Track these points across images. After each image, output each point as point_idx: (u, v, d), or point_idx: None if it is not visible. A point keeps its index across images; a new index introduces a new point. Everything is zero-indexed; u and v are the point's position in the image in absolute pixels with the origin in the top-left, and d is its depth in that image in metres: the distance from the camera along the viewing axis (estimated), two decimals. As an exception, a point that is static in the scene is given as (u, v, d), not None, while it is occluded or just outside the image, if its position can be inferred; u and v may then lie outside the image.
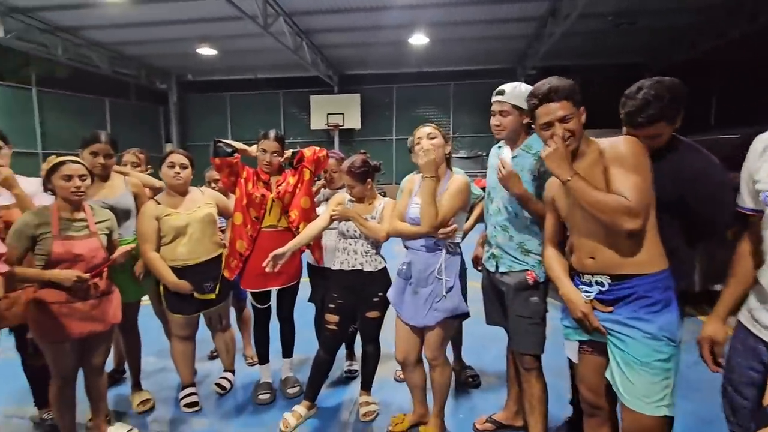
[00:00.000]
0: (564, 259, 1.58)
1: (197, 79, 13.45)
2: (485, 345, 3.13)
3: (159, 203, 2.30)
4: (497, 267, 1.91)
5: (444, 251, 1.94)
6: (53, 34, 9.10)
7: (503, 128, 1.83)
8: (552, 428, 2.01)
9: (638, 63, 11.19)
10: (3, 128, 2.07)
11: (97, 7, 7.78)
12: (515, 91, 1.80)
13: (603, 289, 1.41)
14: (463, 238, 2.06)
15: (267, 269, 2.07)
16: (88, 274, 1.86)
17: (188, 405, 2.41)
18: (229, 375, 2.68)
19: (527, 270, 1.80)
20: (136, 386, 2.51)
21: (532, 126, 1.86)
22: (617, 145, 1.38)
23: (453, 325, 2.00)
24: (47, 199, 1.96)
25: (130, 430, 2.17)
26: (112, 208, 2.19)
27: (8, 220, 1.95)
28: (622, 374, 1.37)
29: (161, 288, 2.31)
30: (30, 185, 2.09)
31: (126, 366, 2.63)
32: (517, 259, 1.84)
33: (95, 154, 2.25)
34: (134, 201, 2.41)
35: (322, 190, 2.73)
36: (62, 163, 1.89)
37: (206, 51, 10.24)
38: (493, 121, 1.86)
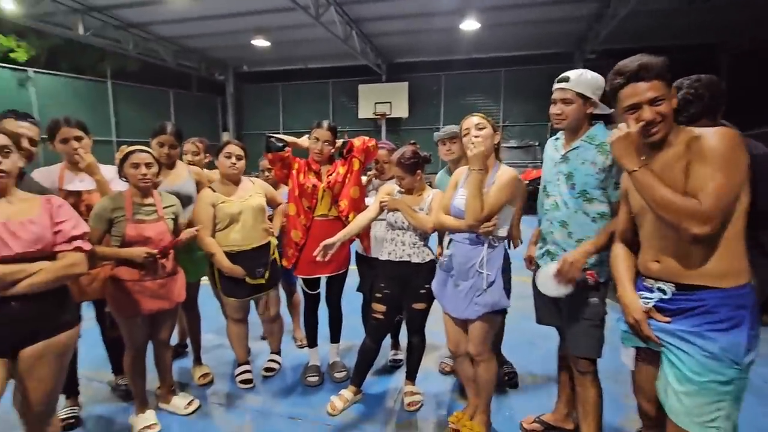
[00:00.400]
0: (632, 259, 1.46)
1: (252, 70, 13.94)
2: (534, 342, 3.04)
3: (214, 191, 2.42)
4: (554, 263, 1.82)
5: (485, 245, 1.88)
6: (125, 30, 9.80)
7: (564, 117, 1.73)
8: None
9: (712, 44, 10.15)
10: (83, 119, 2.25)
11: (164, 3, 8.26)
12: (580, 78, 1.69)
13: (665, 297, 1.30)
14: None
15: (318, 258, 2.13)
16: (156, 250, 2.01)
17: (243, 381, 2.56)
18: (276, 357, 2.80)
19: (587, 269, 1.71)
20: (197, 361, 2.71)
21: (595, 116, 1.76)
22: (708, 137, 1.20)
23: (496, 320, 1.95)
24: (122, 186, 2.14)
25: (192, 400, 2.35)
26: (176, 195, 2.34)
27: (89, 203, 2.15)
28: (672, 389, 1.26)
29: (216, 273, 2.44)
30: (108, 172, 2.27)
31: (188, 341, 2.85)
32: None
33: (162, 145, 2.41)
34: (196, 188, 2.57)
35: (373, 180, 2.75)
36: (131, 152, 2.05)
37: (260, 42, 10.57)
38: (554, 109, 1.75)
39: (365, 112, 12.66)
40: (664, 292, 1.30)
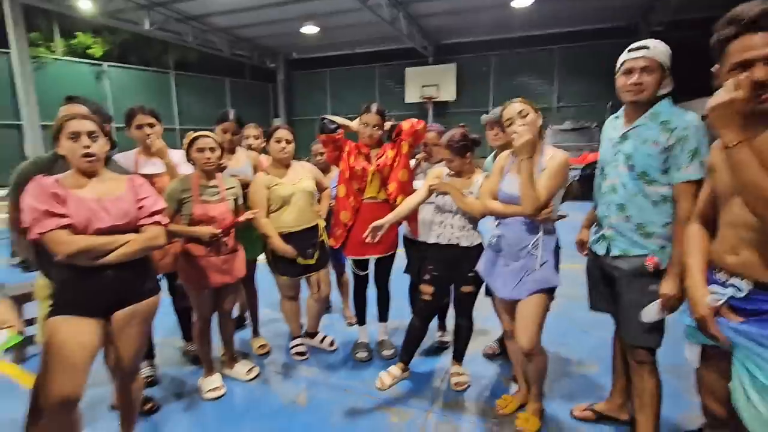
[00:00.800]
0: (708, 245, 1.31)
1: (301, 57, 14.24)
2: (586, 331, 2.96)
3: (267, 173, 2.55)
4: (608, 250, 1.75)
5: (541, 229, 1.86)
6: (185, 23, 10.36)
7: (645, 87, 1.58)
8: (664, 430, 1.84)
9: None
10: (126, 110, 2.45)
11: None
12: (658, 47, 1.58)
13: (739, 294, 1.17)
14: None
15: (367, 240, 2.20)
16: (220, 231, 2.17)
17: (297, 353, 2.73)
18: (305, 341, 2.82)
19: (647, 255, 1.63)
20: (255, 332, 2.91)
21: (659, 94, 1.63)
22: None
23: (546, 303, 1.90)
24: (189, 169, 2.31)
25: (252, 368, 2.54)
26: (236, 176, 2.49)
27: (161, 186, 2.35)
28: (747, 397, 1.14)
29: (269, 253, 2.58)
30: (175, 156, 2.47)
31: (247, 315, 3.06)
32: (636, 242, 1.66)
33: (225, 131, 2.57)
34: (253, 171, 2.72)
35: (422, 163, 2.75)
36: (197, 138, 2.20)
37: (309, 29, 10.75)
38: (631, 79, 1.60)
39: (412, 95, 12.55)
40: (738, 289, 1.17)
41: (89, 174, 1.60)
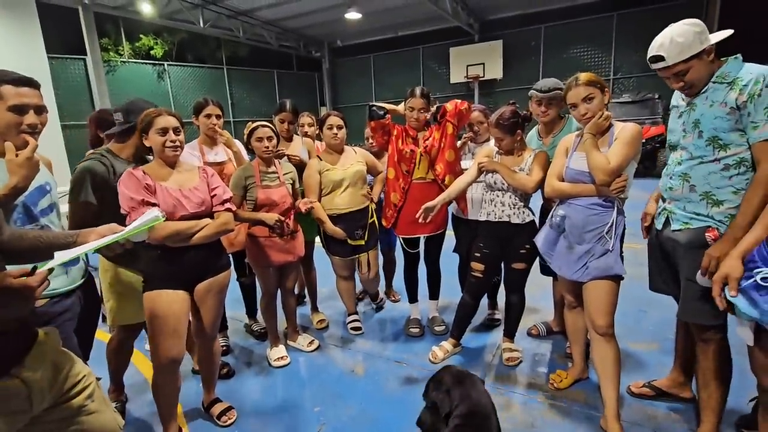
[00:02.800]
0: None
1: (345, 44, 14.32)
2: (645, 310, 2.87)
3: (321, 159, 2.68)
4: (668, 223, 1.69)
5: (615, 210, 1.80)
6: (236, 19, 10.78)
7: (692, 84, 1.53)
8: (730, 410, 1.78)
9: None
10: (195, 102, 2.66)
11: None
12: (675, 47, 1.47)
13: None
14: None
15: (420, 220, 2.27)
16: (283, 218, 2.35)
17: (354, 328, 2.90)
18: (357, 317, 3.00)
19: (709, 227, 1.55)
20: (314, 308, 3.12)
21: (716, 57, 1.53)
22: None
23: (616, 288, 1.84)
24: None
25: (313, 340, 2.74)
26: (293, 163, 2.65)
27: (226, 173, 2.56)
28: None
29: (322, 234, 2.72)
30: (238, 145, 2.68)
31: (305, 293, 3.28)
32: (698, 213, 1.58)
33: (283, 121, 2.74)
34: (308, 157, 2.87)
35: (468, 143, 2.77)
36: (256, 128, 2.37)
37: (352, 15, 10.77)
38: (674, 85, 1.58)
39: (457, 76, 12.26)
40: None
41: (171, 164, 1.81)
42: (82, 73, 9.38)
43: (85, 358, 1.65)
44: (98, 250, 1.38)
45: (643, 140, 8.49)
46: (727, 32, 1.52)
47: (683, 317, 1.68)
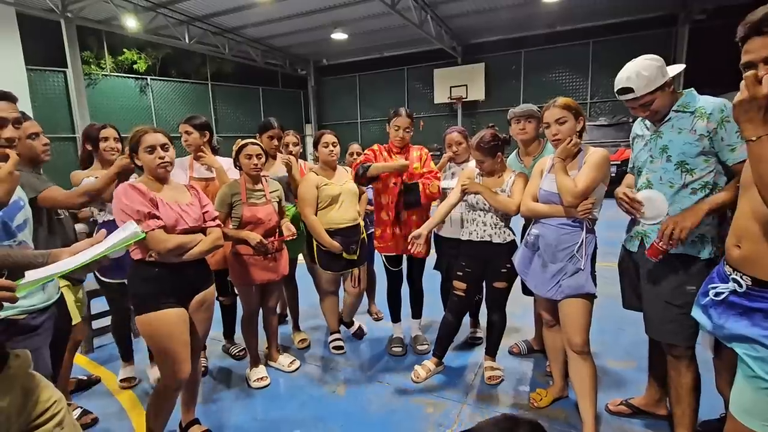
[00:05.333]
0: None
1: (331, 63, 14.56)
2: (623, 328, 2.94)
3: (317, 174, 2.69)
4: (643, 245, 1.76)
5: (584, 230, 1.87)
6: (222, 36, 10.87)
7: (656, 109, 1.65)
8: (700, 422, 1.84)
9: None
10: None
11: (253, 6, 8.99)
12: (642, 80, 1.59)
13: (739, 290, 1.15)
14: None
15: (412, 249, 2.31)
16: (268, 240, 2.34)
17: (336, 347, 2.86)
18: (356, 326, 3.09)
19: (687, 254, 1.63)
20: (296, 327, 3.08)
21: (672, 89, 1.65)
22: None
23: (589, 305, 1.90)
24: (236, 174, 2.50)
25: (294, 360, 2.70)
26: (279, 181, 2.66)
27: (212, 189, 2.55)
28: (738, 386, 1.16)
29: (315, 248, 2.73)
30: (223, 163, 2.68)
31: (287, 312, 3.24)
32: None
33: (271, 138, 2.75)
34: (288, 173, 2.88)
35: (448, 163, 2.82)
36: (245, 145, 2.38)
37: (339, 36, 11.00)
38: (640, 113, 1.69)
39: (441, 96, 12.57)
40: (738, 284, 1.16)
41: (163, 181, 1.82)
42: (61, 86, 9.23)
43: (55, 376, 1.59)
44: (68, 275, 1.32)
45: (618, 162, 8.86)
46: (680, 67, 1.65)
47: (665, 339, 1.73)
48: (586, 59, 11.50)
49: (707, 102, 1.60)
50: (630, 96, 1.63)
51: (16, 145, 1.37)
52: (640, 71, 1.60)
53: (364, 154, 2.69)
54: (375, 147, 2.69)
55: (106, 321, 3.02)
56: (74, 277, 2.05)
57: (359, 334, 3.07)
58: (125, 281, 1.98)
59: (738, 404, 1.17)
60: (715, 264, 1.51)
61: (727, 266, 1.22)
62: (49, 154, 1.98)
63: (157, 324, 1.71)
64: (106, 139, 2.37)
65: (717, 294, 1.23)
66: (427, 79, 13.05)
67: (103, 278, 2.37)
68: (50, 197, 1.82)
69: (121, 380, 2.54)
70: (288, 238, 2.45)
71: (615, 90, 1.68)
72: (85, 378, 2.56)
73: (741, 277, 1.16)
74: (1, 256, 1.16)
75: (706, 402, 1.77)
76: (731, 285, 1.18)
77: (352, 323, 3.10)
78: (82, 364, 2.81)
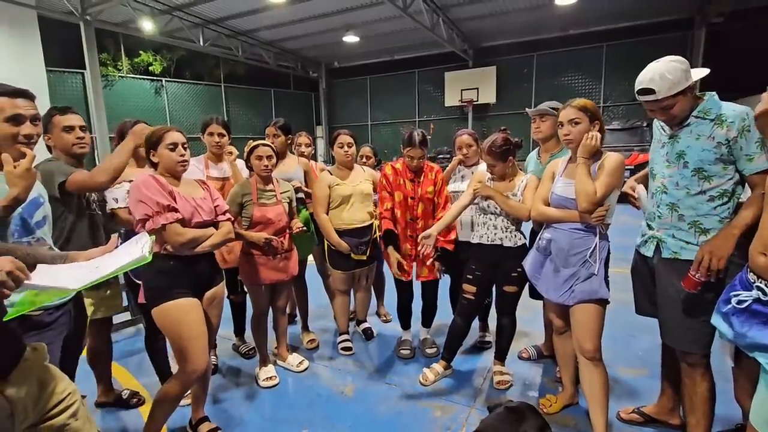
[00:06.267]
0: None
1: (342, 65, 14.64)
2: (634, 335, 2.90)
3: (331, 174, 2.71)
4: (659, 251, 1.73)
5: (597, 235, 1.85)
6: (236, 38, 11.02)
7: (675, 115, 1.61)
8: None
9: None
10: (201, 119, 2.75)
11: (267, 9, 9.10)
12: (665, 82, 1.54)
13: (763, 297, 1.14)
14: None
15: (420, 249, 2.29)
16: (275, 238, 2.36)
17: (344, 348, 2.87)
18: (368, 325, 3.12)
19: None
20: (305, 328, 3.09)
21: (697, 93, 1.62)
22: None
23: (602, 311, 1.87)
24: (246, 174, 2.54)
25: (303, 360, 2.71)
26: (288, 180, 2.68)
27: (227, 189, 2.58)
28: (759, 395, 1.15)
29: (326, 248, 2.75)
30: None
31: (296, 312, 3.25)
32: (688, 242, 1.63)
33: (267, 136, 2.81)
34: (304, 176, 2.91)
35: (459, 167, 2.81)
36: (256, 146, 2.41)
37: (350, 38, 11.06)
38: (659, 116, 1.65)
39: (451, 99, 12.55)
40: (763, 292, 1.14)
41: (178, 178, 1.86)
42: (79, 87, 9.45)
43: (72, 374, 1.62)
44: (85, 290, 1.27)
45: (632, 167, 8.75)
46: (705, 71, 1.61)
47: (682, 347, 1.70)
48: (599, 63, 11.38)
49: (729, 109, 1.55)
50: (651, 97, 1.59)
51: (35, 142, 1.40)
52: (664, 73, 1.55)
53: (381, 179, 2.65)
54: (389, 171, 2.61)
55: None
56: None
57: (369, 334, 3.07)
58: None
59: (760, 415, 1.15)
60: (727, 272, 1.51)
61: (751, 273, 1.20)
62: (82, 147, 1.94)
63: (174, 312, 1.75)
64: None
65: (740, 302, 1.20)
66: (437, 82, 13.04)
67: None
68: (77, 179, 1.82)
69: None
70: (296, 232, 2.46)
71: (636, 90, 1.63)
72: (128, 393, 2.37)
73: (766, 285, 1.14)
74: (23, 254, 1.19)
75: (720, 412, 1.73)
76: (755, 293, 1.16)
77: (364, 321, 3.13)
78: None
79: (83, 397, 1.28)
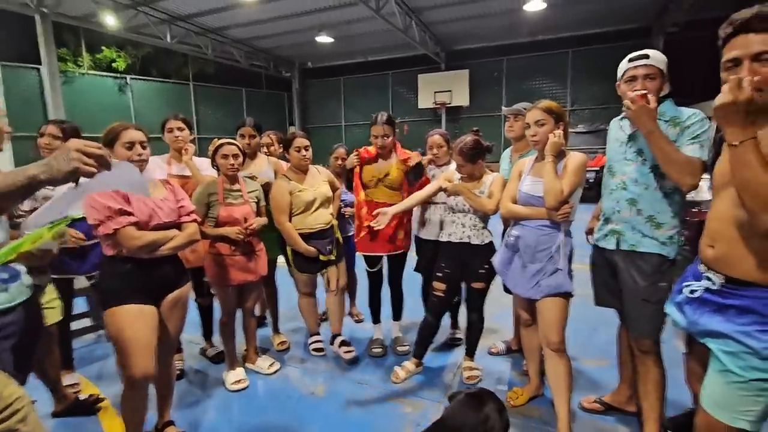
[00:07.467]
0: None
1: (316, 66, 14.54)
2: (596, 328, 3.01)
3: (289, 179, 2.65)
4: (617, 244, 1.81)
5: (562, 232, 1.92)
6: (205, 36, 10.74)
7: (650, 90, 1.66)
8: (668, 416, 1.90)
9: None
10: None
11: (238, 7, 8.92)
12: (657, 55, 1.69)
13: (712, 287, 1.21)
14: None
15: (374, 226, 2.26)
16: (246, 230, 2.33)
17: (315, 349, 2.84)
18: (344, 338, 2.85)
19: (657, 254, 1.71)
20: (275, 329, 3.05)
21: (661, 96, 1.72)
22: None
23: (566, 304, 1.95)
24: (213, 173, 2.48)
25: (273, 362, 2.67)
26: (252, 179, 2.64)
27: (188, 188, 2.50)
28: (711, 379, 1.22)
29: (289, 252, 2.68)
30: (201, 163, 2.65)
31: (267, 314, 3.20)
32: (645, 235, 1.73)
33: (242, 136, 2.74)
34: (274, 175, 2.87)
35: (429, 166, 2.85)
36: (221, 145, 2.36)
37: (324, 39, 11.00)
38: (636, 87, 1.69)
39: (425, 101, 12.67)
40: (712, 282, 1.21)
41: None
42: (36, 83, 8.97)
43: (23, 380, 1.53)
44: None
45: (597, 168, 9.09)
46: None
47: (638, 332, 1.80)
48: (565, 68, 11.81)
49: (680, 112, 1.68)
50: (643, 61, 1.67)
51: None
52: (658, 54, 1.69)
53: (356, 153, 2.73)
54: (362, 150, 2.71)
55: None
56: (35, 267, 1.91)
57: (350, 354, 2.72)
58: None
59: (709, 398, 1.22)
60: (675, 263, 1.64)
61: (701, 265, 1.27)
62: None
63: (120, 318, 1.68)
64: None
65: (692, 291, 1.28)
66: (411, 84, 13.15)
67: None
68: None
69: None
70: (254, 226, 2.39)
71: (628, 58, 1.73)
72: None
73: (715, 276, 1.21)
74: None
75: (671, 397, 1.83)
76: (705, 283, 1.23)
77: (339, 335, 2.80)
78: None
79: (33, 402, 1.22)
